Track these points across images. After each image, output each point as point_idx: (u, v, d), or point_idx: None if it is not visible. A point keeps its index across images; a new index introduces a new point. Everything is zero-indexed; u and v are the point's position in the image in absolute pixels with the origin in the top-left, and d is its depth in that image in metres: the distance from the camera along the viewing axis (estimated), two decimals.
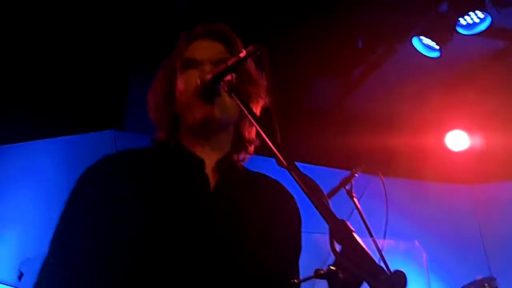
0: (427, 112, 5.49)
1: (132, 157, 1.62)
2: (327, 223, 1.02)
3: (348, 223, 1.01)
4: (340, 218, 1.02)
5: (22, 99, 4.40)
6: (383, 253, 3.15)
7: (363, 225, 3.39)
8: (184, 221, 1.44)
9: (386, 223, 3.32)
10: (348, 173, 3.64)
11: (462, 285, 4.57)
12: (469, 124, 5.62)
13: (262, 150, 1.48)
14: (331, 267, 0.97)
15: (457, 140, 5.72)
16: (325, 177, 3.88)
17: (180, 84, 1.59)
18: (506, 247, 5.69)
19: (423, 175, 5.88)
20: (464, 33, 4.30)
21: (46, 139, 4.72)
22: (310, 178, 1.12)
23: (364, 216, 3.46)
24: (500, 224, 5.83)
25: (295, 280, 1.01)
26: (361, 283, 0.97)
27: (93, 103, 4.67)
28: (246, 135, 1.64)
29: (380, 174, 3.69)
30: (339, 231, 1.00)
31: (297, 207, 1.65)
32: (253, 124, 1.28)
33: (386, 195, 3.39)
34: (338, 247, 0.99)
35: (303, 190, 1.10)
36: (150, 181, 1.51)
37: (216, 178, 1.54)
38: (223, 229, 1.46)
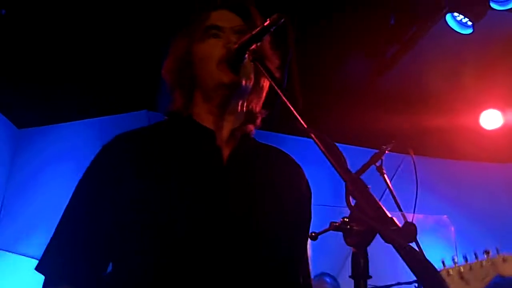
0: (461, 91, 5.42)
1: (144, 134, 1.65)
2: (343, 179, 1.07)
3: (363, 180, 1.06)
4: (355, 175, 1.07)
5: (57, 81, 4.51)
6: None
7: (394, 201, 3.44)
8: (199, 196, 1.48)
9: (416, 198, 3.34)
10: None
11: None
12: (503, 102, 5.53)
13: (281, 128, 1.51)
14: (345, 219, 1.02)
15: (491, 119, 5.64)
16: (358, 156, 3.92)
17: (202, 51, 1.61)
18: None
19: (456, 154, 5.84)
20: (497, 8, 4.24)
21: (82, 121, 4.86)
22: (329, 139, 1.17)
23: (394, 192, 3.50)
24: None
25: (313, 234, 1.06)
26: (374, 234, 1.01)
27: (127, 84, 4.76)
28: (256, 107, 1.66)
29: (411, 151, 3.70)
30: (354, 186, 1.05)
31: (306, 179, 1.69)
32: (277, 91, 1.32)
33: (415, 170, 3.40)
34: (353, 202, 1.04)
35: (321, 150, 1.15)
36: (162, 157, 1.55)
37: (229, 149, 1.58)
38: (237, 203, 1.50)
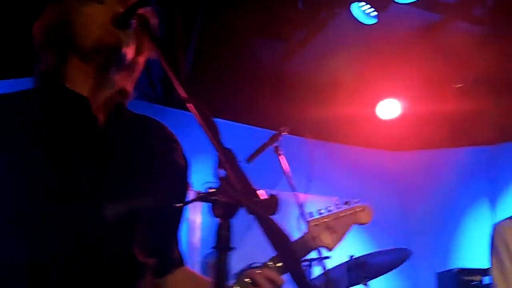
0: (362, 80, 5.59)
1: (13, 100, 1.55)
2: (216, 150, 1.06)
3: (233, 152, 1.05)
4: (227, 147, 1.06)
5: None
6: (303, 206, 3.35)
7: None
8: (74, 162, 1.44)
9: (309, 180, 3.45)
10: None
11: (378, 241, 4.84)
12: (400, 93, 5.77)
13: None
14: (212, 190, 1.02)
15: (388, 109, 5.88)
16: (259, 137, 3.97)
17: (84, 12, 1.53)
18: (423, 213, 6.03)
19: (355, 140, 6.07)
20: (400, 2, 4.40)
21: None
22: (207, 110, 1.15)
23: (290, 173, 3.59)
24: (419, 189, 6.14)
25: (178, 205, 1.05)
26: (239, 206, 1.01)
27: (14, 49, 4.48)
28: (129, 83, 1.61)
29: (308, 134, 3.81)
30: (224, 159, 1.05)
31: (182, 148, 1.69)
32: (161, 58, 1.29)
33: (310, 155, 3.51)
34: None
35: (198, 120, 1.14)
36: (36, 124, 1.48)
37: (104, 116, 1.54)
38: (115, 169, 1.49)
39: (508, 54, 4.80)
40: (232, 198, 1.00)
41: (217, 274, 0.98)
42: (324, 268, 3.48)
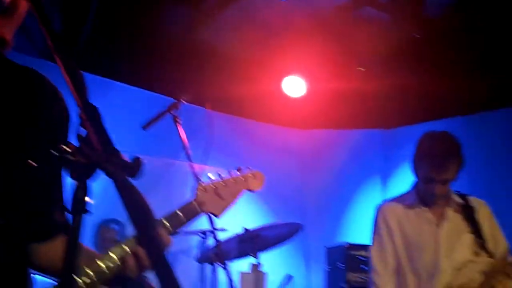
0: (269, 56, 5.59)
1: None
2: (78, 106, 0.98)
3: (98, 110, 0.98)
4: (91, 104, 0.99)
5: None
6: (199, 176, 3.33)
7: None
8: None
9: (207, 151, 3.42)
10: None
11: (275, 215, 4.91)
12: (306, 71, 5.84)
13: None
14: (67, 148, 0.94)
15: (293, 86, 5.91)
16: (159, 103, 3.86)
17: None
18: (318, 189, 6.21)
19: (256, 115, 6.10)
20: None
21: None
22: (75, 64, 1.06)
23: (187, 142, 3.53)
24: (317, 167, 6.31)
25: (32, 163, 0.97)
26: (97, 167, 0.94)
27: None
28: (8, 32, 1.46)
29: (207, 106, 3.76)
30: (86, 116, 0.97)
31: (64, 101, 1.55)
32: (31, 7, 1.18)
33: (211, 126, 3.45)
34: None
35: (63, 75, 1.05)
36: None
37: None
38: None
39: (408, 40, 4.98)
40: (90, 159, 0.93)
41: (70, 238, 0.92)
42: (217, 240, 3.48)
